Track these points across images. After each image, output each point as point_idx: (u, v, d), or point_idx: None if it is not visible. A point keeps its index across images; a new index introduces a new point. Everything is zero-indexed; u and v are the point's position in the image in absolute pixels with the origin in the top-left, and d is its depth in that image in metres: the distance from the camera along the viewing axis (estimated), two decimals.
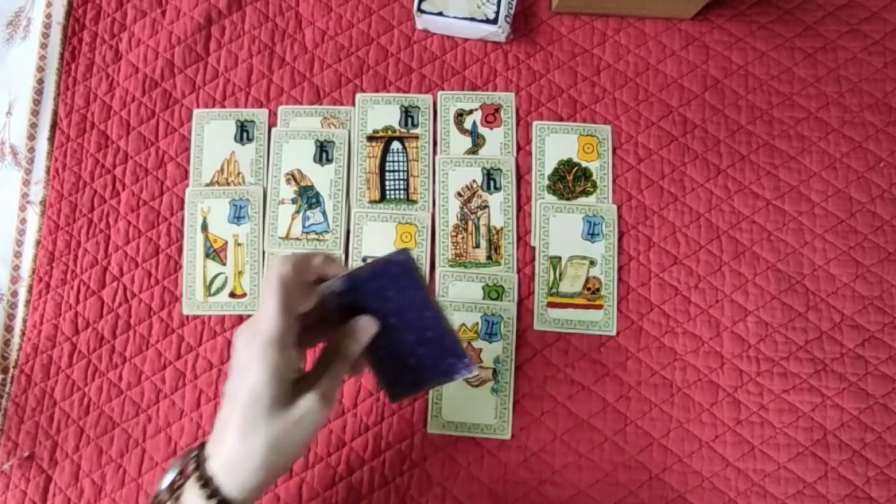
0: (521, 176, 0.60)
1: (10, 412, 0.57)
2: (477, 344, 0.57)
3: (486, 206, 0.60)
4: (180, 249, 0.60)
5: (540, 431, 0.56)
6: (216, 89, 0.62)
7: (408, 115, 0.61)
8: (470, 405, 0.57)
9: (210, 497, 0.36)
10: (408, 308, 0.43)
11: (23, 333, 0.59)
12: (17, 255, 0.60)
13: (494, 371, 0.57)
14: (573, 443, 0.56)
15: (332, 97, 0.62)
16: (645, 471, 0.56)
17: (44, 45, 0.63)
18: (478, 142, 0.61)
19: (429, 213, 0.60)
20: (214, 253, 0.60)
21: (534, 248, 0.59)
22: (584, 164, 0.60)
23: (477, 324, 0.57)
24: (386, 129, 0.61)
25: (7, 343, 0.59)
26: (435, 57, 0.62)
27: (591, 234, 0.59)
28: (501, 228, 0.59)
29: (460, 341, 0.45)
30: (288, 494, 0.55)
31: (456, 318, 0.58)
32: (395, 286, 0.43)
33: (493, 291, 0.58)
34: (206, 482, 0.37)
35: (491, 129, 0.61)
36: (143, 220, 0.60)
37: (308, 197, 0.60)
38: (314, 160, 0.61)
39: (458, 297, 0.58)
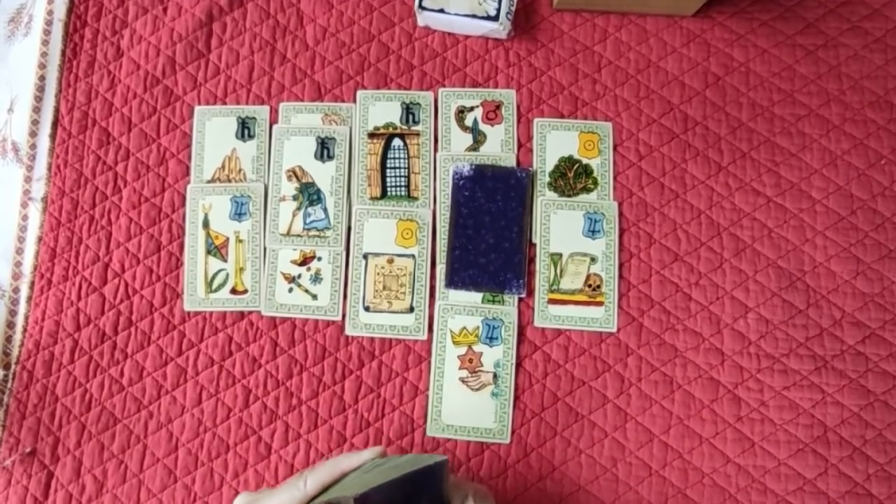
0: None
1: (12, 408, 0.57)
2: (477, 348, 0.57)
3: None
4: (181, 246, 0.60)
5: (540, 427, 0.56)
6: (217, 86, 0.62)
7: (409, 112, 0.61)
8: (470, 409, 0.57)
9: None
10: (504, 215, 0.54)
11: (24, 330, 0.59)
12: (19, 251, 0.61)
13: (495, 375, 0.57)
14: (573, 439, 0.56)
15: (333, 94, 0.62)
16: (645, 467, 0.56)
17: (45, 42, 0.63)
18: (479, 139, 0.61)
19: (430, 209, 0.60)
20: (216, 249, 0.60)
21: (535, 245, 0.59)
22: (584, 160, 0.60)
23: (478, 328, 0.58)
24: (387, 125, 0.61)
25: (9, 339, 0.59)
26: (436, 54, 0.62)
27: (592, 231, 0.59)
28: None
29: (526, 266, 0.56)
30: None
31: (456, 322, 0.58)
32: (506, 192, 0.56)
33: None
34: None
35: (492, 126, 0.61)
36: (145, 216, 0.60)
37: (309, 194, 0.60)
38: (315, 157, 0.61)
39: (459, 299, 0.58)
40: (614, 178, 0.60)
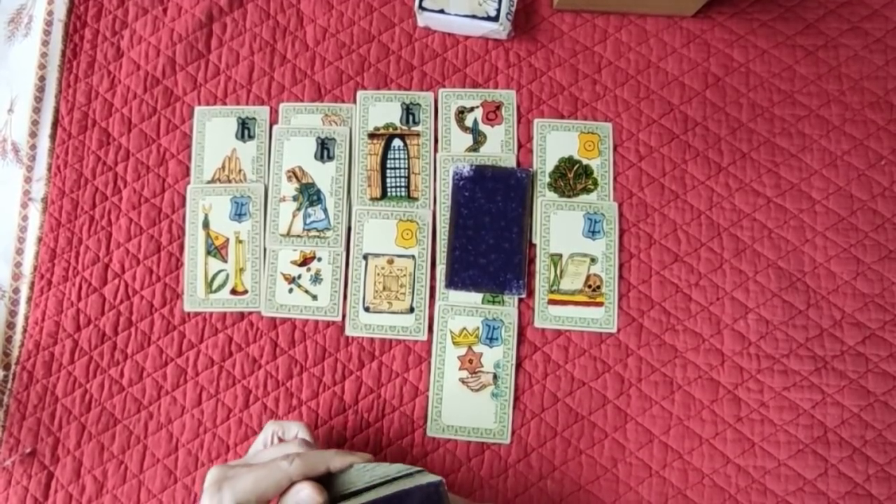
0: None
1: (12, 409, 0.57)
2: (477, 348, 0.57)
3: None
4: (181, 246, 0.60)
5: (540, 428, 0.56)
6: (217, 87, 0.62)
7: (409, 112, 0.61)
8: (470, 409, 0.57)
9: None
10: (504, 216, 0.54)
11: (24, 330, 0.59)
12: (19, 252, 0.61)
13: (495, 376, 0.57)
14: (573, 439, 0.56)
15: (333, 94, 0.62)
16: (645, 467, 0.56)
17: (45, 43, 0.63)
18: (479, 139, 0.61)
19: (430, 210, 0.60)
20: (216, 250, 0.60)
21: (535, 246, 0.59)
22: (584, 161, 0.60)
23: (478, 328, 0.58)
24: (387, 126, 0.61)
25: (9, 340, 0.59)
26: (436, 54, 0.62)
27: (592, 232, 0.59)
28: None
29: (526, 267, 0.56)
30: None
31: (456, 322, 0.58)
32: (506, 193, 0.56)
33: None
34: None
35: (492, 126, 0.61)
36: (145, 217, 0.60)
37: (309, 194, 0.60)
38: (315, 157, 0.61)
39: (459, 300, 0.58)
40: (614, 178, 0.60)
